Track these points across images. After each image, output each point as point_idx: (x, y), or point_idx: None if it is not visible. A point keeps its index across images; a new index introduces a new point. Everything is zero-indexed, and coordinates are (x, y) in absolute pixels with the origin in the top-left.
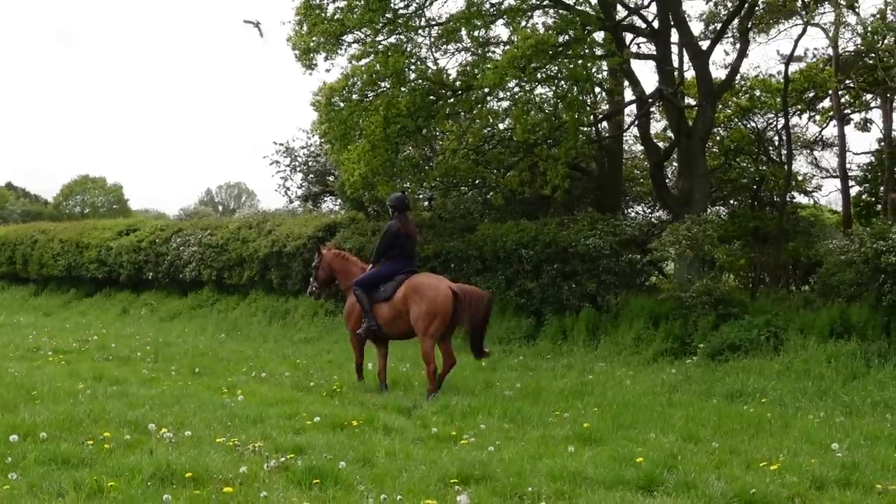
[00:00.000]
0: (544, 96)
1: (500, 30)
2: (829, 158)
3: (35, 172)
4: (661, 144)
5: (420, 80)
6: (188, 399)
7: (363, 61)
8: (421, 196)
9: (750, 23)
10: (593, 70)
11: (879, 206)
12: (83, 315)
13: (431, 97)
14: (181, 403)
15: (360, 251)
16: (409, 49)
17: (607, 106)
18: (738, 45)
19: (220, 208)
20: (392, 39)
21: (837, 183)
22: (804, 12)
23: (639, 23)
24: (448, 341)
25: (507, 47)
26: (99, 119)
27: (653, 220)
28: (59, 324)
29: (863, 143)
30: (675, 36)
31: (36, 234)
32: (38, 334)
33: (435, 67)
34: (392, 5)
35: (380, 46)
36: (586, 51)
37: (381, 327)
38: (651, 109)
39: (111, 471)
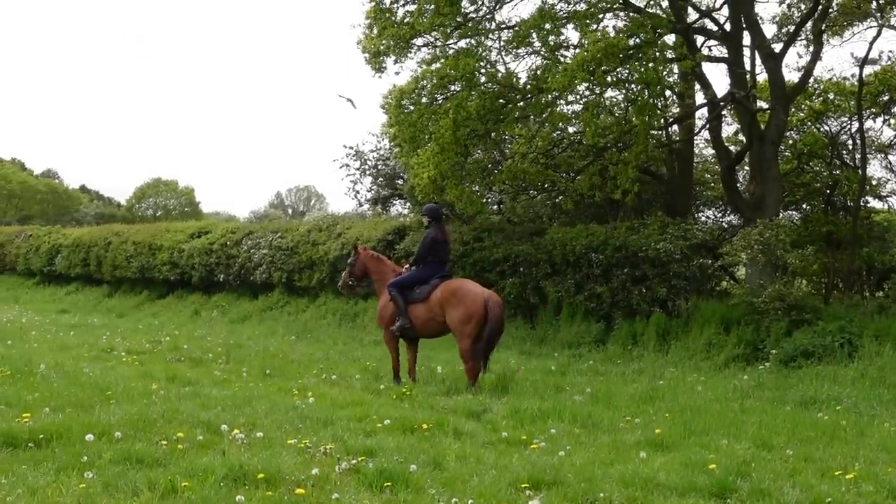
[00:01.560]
0: (614, 100)
1: (571, 33)
2: None
3: (108, 175)
4: (732, 148)
5: (490, 84)
6: (259, 400)
7: (434, 65)
8: (490, 199)
9: (823, 25)
10: (664, 73)
11: None
12: (156, 316)
13: (501, 101)
14: (253, 405)
15: None
16: (479, 52)
17: (678, 109)
18: (811, 48)
19: (290, 211)
20: (462, 43)
21: None
22: (879, 14)
23: (710, 25)
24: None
25: (578, 51)
26: (171, 122)
27: (724, 224)
28: (133, 325)
29: None
30: (747, 39)
31: (110, 236)
32: (112, 335)
33: (505, 71)
34: (462, 9)
35: (450, 50)
36: (657, 54)
37: (416, 327)
38: (722, 113)
39: (185, 471)
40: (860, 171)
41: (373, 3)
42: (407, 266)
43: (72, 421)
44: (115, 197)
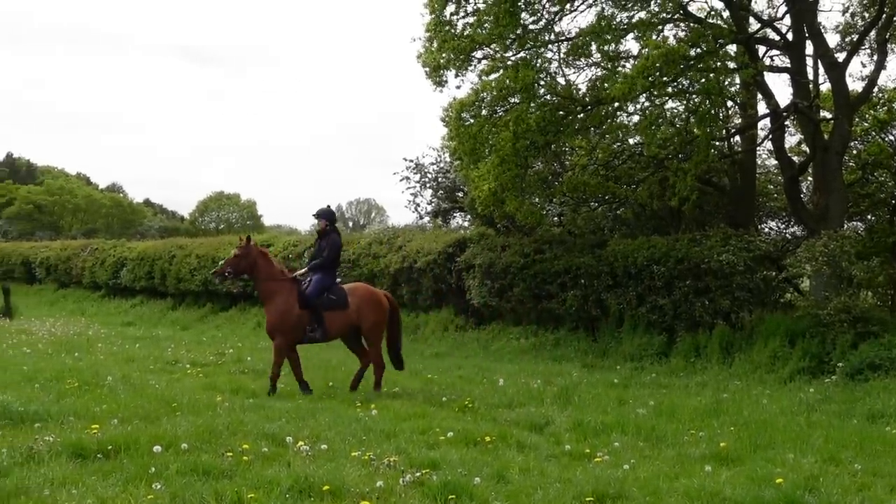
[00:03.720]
0: (675, 111)
1: (631, 44)
2: None
3: (171, 189)
4: (795, 159)
5: (549, 95)
6: (323, 412)
7: (492, 76)
8: (550, 212)
9: (888, 34)
10: (726, 83)
11: None
12: (219, 329)
13: (561, 112)
14: (316, 417)
15: (489, 267)
16: (538, 64)
17: (740, 120)
18: (875, 57)
19: (351, 224)
20: (522, 54)
21: None
22: None
23: (772, 35)
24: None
25: (638, 60)
26: (233, 136)
27: (788, 235)
28: (196, 337)
29: None
30: (809, 48)
31: (173, 249)
32: (177, 347)
33: (564, 82)
34: (521, 21)
35: (509, 62)
36: (718, 64)
37: (328, 333)
38: (785, 123)
39: (251, 483)
40: None
41: (432, 17)
42: (303, 270)
43: (139, 432)
44: (179, 210)
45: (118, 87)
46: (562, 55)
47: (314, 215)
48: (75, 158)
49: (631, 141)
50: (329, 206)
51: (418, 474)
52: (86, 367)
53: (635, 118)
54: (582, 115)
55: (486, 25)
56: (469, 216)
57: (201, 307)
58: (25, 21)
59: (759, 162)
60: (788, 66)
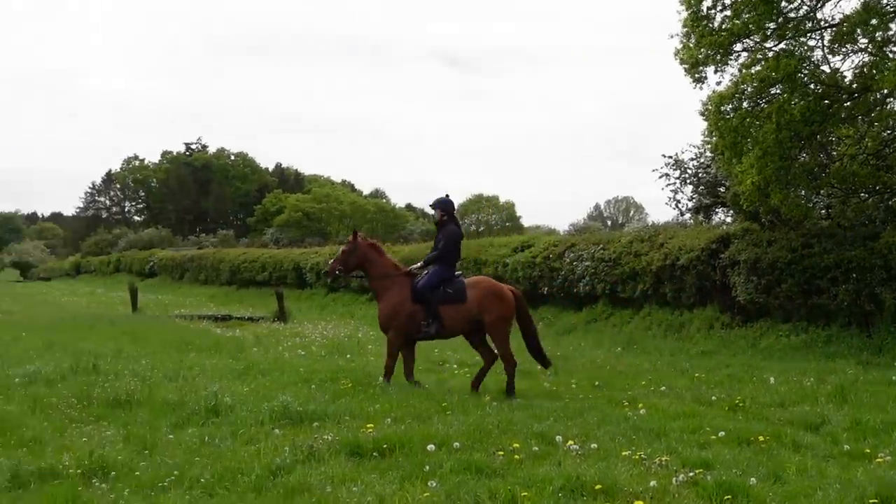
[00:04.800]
0: None
1: None
2: None
3: (431, 193)
4: None
5: (813, 84)
6: (590, 412)
7: (754, 69)
8: (817, 204)
9: None
10: None
11: None
12: None
13: (825, 101)
14: (584, 416)
15: (755, 263)
16: (800, 52)
17: None
18: None
19: (609, 223)
20: (782, 45)
21: None
22: None
23: None
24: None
25: None
26: (489, 139)
27: None
28: (461, 339)
29: None
30: None
31: None
32: (443, 349)
33: (829, 70)
34: (781, 9)
35: (769, 52)
36: None
37: (444, 328)
38: None
39: (522, 481)
40: None
41: (689, 12)
42: (418, 265)
43: (412, 431)
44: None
45: (379, 95)
46: (825, 43)
47: (430, 205)
48: (339, 166)
49: None
50: (447, 196)
51: (691, 474)
52: (357, 367)
53: None
54: (848, 103)
55: (744, 16)
56: (732, 211)
57: None
58: (295, 35)
59: None
60: None
